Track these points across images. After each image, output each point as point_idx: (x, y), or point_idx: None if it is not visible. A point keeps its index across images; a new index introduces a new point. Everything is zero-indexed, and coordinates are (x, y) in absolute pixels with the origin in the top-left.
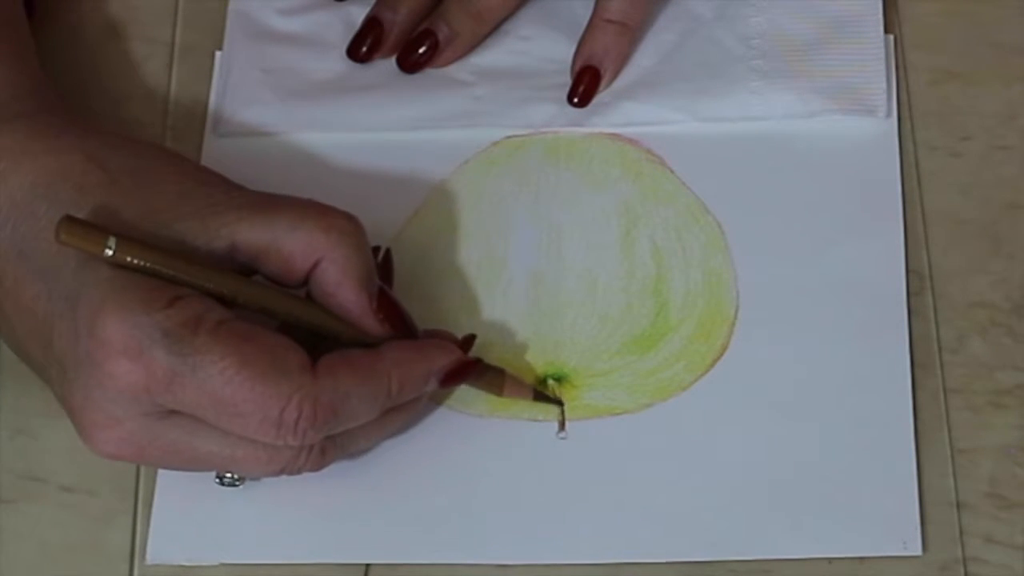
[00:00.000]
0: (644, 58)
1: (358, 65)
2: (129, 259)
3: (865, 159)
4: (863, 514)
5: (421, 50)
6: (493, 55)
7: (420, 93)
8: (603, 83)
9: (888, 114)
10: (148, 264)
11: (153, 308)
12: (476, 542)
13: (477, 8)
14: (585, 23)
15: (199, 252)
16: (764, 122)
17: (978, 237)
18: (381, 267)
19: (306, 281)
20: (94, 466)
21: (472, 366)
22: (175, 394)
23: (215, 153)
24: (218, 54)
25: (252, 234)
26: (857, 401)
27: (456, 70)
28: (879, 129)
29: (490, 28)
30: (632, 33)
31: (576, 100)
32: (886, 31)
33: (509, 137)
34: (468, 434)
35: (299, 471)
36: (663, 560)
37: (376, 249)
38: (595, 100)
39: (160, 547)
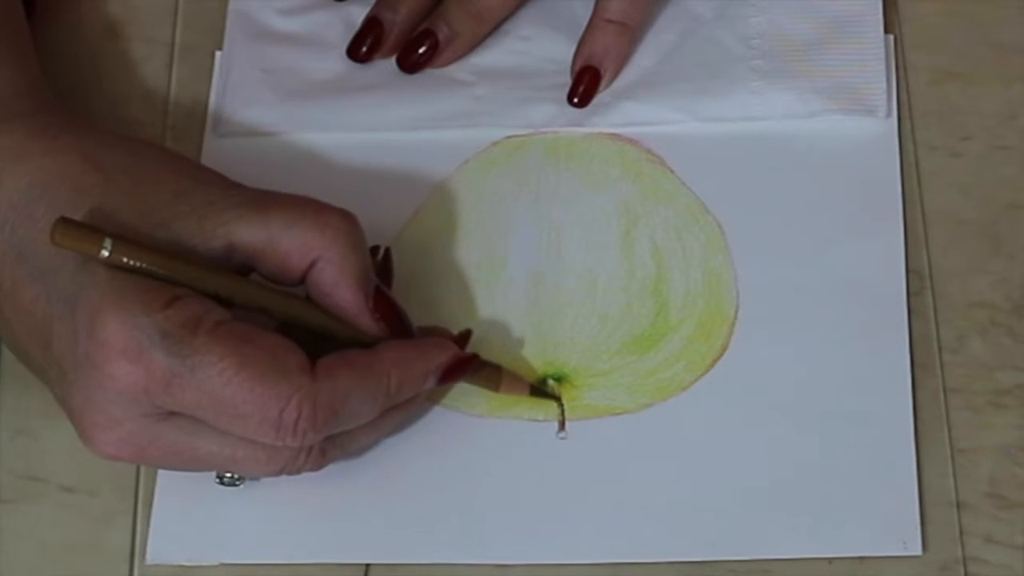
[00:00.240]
0: (644, 58)
1: (358, 65)
2: (125, 260)
3: (865, 159)
4: (863, 514)
5: (421, 50)
6: (493, 55)
7: (420, 93)
8: (603, 83)
9: (888, 114)
10: (145, 265)
11: (152, 309)
12: (476, 542)
13: (477, 8)
14: (585, 23)
15: (196, 252)
16: (764, 122)
17: (978, 237)
18: (381, 267)
19: (303, 280)
20: (94, 466)
21: (469, 362)
22: (174, 395)
23: (215, 153)
24: (218, 54)
25: (249, 233)
26: (857, 401)
27: (456, 70)
28: (879, 129)
29: (490, 28)
30: (632, 33)
31: (576, 100)
32: (886, 31)
33: (509, 137)
34: (468, 434)
35: (299, 471)
36: (663, 560)
37: (376, 249)
38: (595, 100)
39: (160, 547)
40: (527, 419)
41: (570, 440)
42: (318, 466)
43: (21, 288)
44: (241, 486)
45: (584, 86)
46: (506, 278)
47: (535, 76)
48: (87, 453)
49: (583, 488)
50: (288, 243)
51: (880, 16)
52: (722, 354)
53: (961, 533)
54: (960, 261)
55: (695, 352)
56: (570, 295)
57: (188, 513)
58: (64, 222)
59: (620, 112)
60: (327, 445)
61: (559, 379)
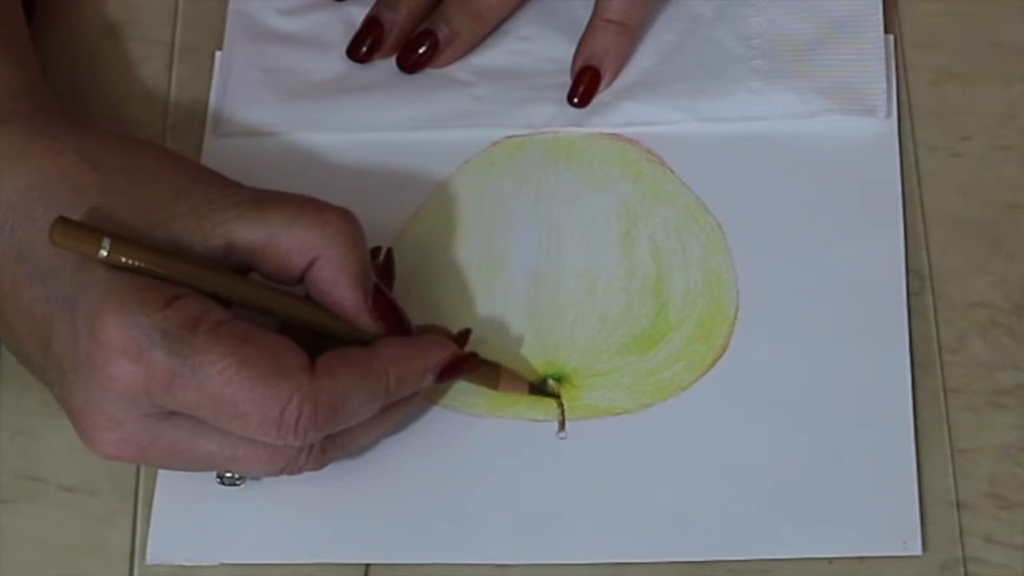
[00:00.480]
0: (644, 58)
1: (358, 65)
2: (124, 259)
3: (865, 159)
4: (863, 514)
5: (421, 50)
6: (493, 55)
7: (420, 93)
8: (603, 83)
9: (888, 114)
10: (144, 264)
11: (152, 308)
12: (476, 542)
13: (477, 8)
14: (585, 23)
15: (195, 251)
16: (764, 122)
17: (978, 237)
18: (383, 268)
19: (302, 279)
20: (94, 466)
21: (468, 360)
22: (175, 395)
23: (215, 153)
24: (218, 54)
25: (248, 232)
26: (857, 401)
27: (456, 70)
28: (879, 129)
29: (490, 28)
30: (632, 33)
31: (576, 100)
32: (886, 31)
33: (509, 137)
34: (468, 434)
35: (300, 471)
36: (663, 560)
37: (377, 249)
38: (595, 100)
39: (160, 547)
40: (527, 419)
41: (570, 440)
42: (319, 465)
43: (21, 289)
44: (242, 486)
45: (584, 86)
46: (506, 278)
47: (535, 76)
48: (87, 453)
49: (583, 488)
50: (288, 242)
51: (880, 16)
52: (722, 354)
53: (961, 533)
54: (960, 261)
55: (695, 352)
56: (570, 295)
57: (188, 513)
58: (62, 222)
59: (620, 112)
60: (328, 444)
61: (559, 379)
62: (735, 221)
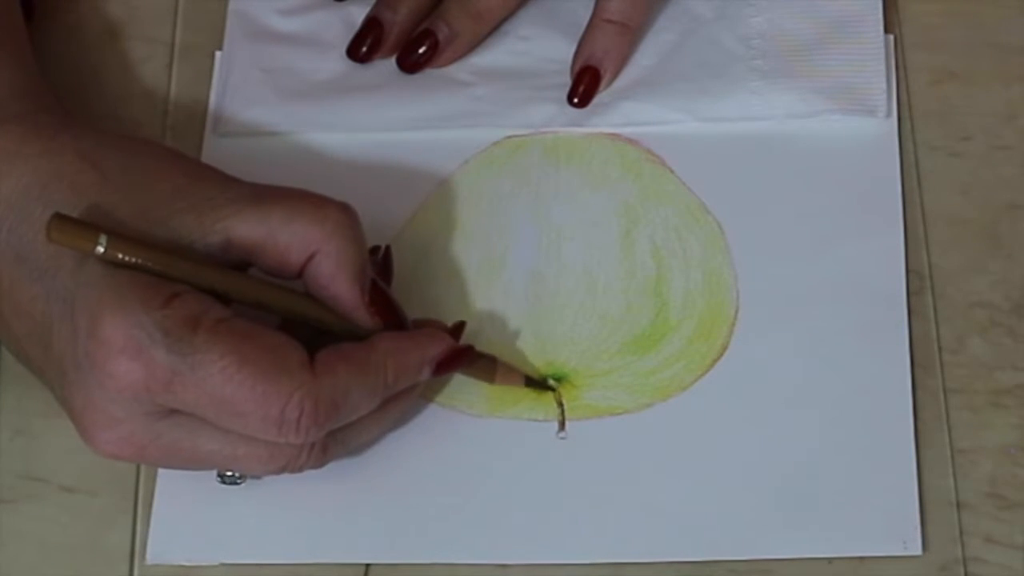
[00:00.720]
0: (644, 58)
1: (358, 65)
2: (121, 256)
3: (865, 159)
4: (863, 514)
5: (421, 50)
6: (493, 55)
7: (420, 93)
8: (603, 83)
9: (888, 114)
10: (141, 261)
11: (151, 307)
12: (476, 542)
13: (477, 8)
14: (585, 23)
15: (194, 248)
16: (764, 122)
17: (978, 237)
18: (381, 266)
19: (301, 274)
20: (94, 466)
21: (464, 353)
22: (175, 393)
23: (215, 153)
24: (218, 54)
25: (247, 229)
26: (857, 401)
27: (456, 70)
28: (879, 129)
29: (490, 28)
30: (632, 33)
31: (576, 100)
32: (886, 31)
33: (509, 137)
34: (468, 434)
35: (301, 469)
36: (663, 560)
37: (377, 249)
38: (595, 100)
39: (160, 547)
40: (527, 419)
41: (570, 440)
42: (320, 463)
43: (20, 288)
44: (242, 484)
45: (584, 86)
46: (506, 278)
47: (535, 76)
48: (87, 453)
49: (583, 488)
50: (288, 237)
51: (880, 16)
52: (722, 354)
53: (961, 533)
54: (960, 261)
55: (695, 352)
56: (570, 295)
57: (188, 513)
58: (59, 219)
59: (620, 112)
60: (328, 441)
61: (559, 379)
62: (735, 221)
